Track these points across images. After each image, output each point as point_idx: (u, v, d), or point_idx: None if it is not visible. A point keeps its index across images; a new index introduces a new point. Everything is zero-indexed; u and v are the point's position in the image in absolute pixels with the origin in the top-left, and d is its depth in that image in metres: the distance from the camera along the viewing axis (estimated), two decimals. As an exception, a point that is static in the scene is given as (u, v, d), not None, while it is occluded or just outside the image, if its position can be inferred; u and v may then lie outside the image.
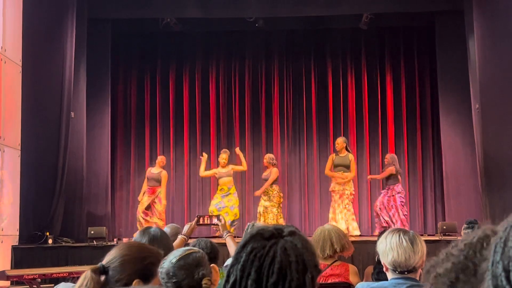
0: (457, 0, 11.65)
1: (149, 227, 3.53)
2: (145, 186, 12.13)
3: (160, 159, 12.21)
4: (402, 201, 11.75)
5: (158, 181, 11.92)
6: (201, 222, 5.17)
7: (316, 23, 13.60)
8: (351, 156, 11.66)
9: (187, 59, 14.15)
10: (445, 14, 12.64)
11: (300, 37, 14.13)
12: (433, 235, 12.60)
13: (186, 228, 4.93)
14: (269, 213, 11.50)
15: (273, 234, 1.45)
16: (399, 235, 3.12)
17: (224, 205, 11.67)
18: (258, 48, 14.19)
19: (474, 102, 11.10)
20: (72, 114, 11.11)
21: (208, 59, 14.16)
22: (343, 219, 11.32)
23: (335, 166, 11.62)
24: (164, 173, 12.04)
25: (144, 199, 11.86)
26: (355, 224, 11.46)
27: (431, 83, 13.65)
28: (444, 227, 11.23)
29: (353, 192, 11.69)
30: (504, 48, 10.46)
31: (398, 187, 11.77)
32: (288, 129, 13.99)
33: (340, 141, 11.71)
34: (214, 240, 4.80)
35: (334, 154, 11.81)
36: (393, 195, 11.68)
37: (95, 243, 10.62)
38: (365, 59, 13.97)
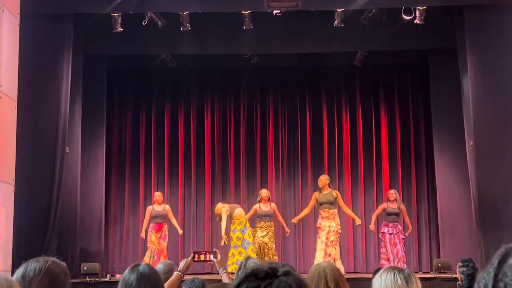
0: (450, 38, 11.74)
1: (138, 264, 3.48)
2: (145, 224, 12.26)
3: (159, 196, 12.24)
4: (403, 239, 11.81)
5: (164, 217, 12.09)
6: (197, 259, 5.13)
7: (311, 60, 13.70)
8: (335, 193, 11.76)
9: (182, 95, 14.20)
10: (439, 52, 12.75)
11: (295, 74, 14.21)
12: (428, 272, 12.56)
13: (182, 264, 4.89)
14: (269, 249, 11.60)
15: (268, 274, 1.44)
16: (394, 273, 3.10)
17: (246, 242, 11.67)
18: (253, 84, 14.26)
19: (468, 139, 11.12)
20: (67, 149, 11.08)
21: (204, 95, 14.21)
22: (324, 257, 11.30)
23: (320, 203, 11.70)
24: (168, 207, 12.27)
25: (153, 238, 11.94)
26: (339, 263, 11.41)
27: (425, 120, 13.70)
28: (439, 265, 11.20)
29: (340, 230, 11.67)
30: (498, 86, 10.54)
31: (400, 225, 11.86)
32: (282, 165, 13.99)
33: (324, 178, 11.83)
34: (209, 277, 4.77)
35: (318, 192, 11.86)
36: (396, 233, 11.70)
37: (88, 279, 10.54)
38: (359, 96, 14.04)
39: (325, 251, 11.38)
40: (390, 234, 11.70)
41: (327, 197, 11.65)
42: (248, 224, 11.87)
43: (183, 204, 13.85)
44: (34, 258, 2.67)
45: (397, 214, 11.82)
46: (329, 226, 11.49)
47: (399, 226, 11.84)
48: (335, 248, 11.45)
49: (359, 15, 11.55)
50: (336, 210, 11.70)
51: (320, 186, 11.80)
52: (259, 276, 1.44)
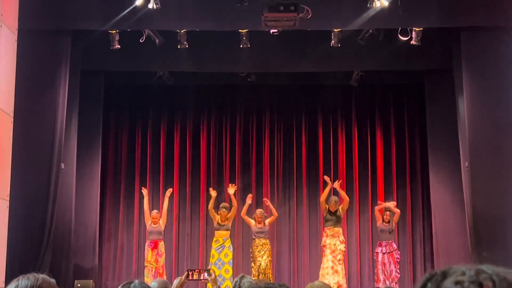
0: (447, 59, 11.80)
1: (130, 282, 3.44)
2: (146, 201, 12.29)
3: (155, 214, 12.08)
4: (398, 258, 11.79)
5: (160, 233, 11.96)
6: (191, 277, 5.12)
7: (307, 79, 13.74)
8: (340, 208, 11.80)
9: (178, 112, 14.21)
10: (435, 73, 12.79)
11: (291, 93, 14.24)
12: (423, 293, 12.51)
13: (176, 283, 4.88)
14: (266, 268, 11.65)
15: (265, 295, 1.44)
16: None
17: (223, 261, 11.62)
18: (249, 102, 14.28)
19: (464, 159, 11.14)
20: (62, 165, 11.06)
21: (200, 112, 14.22)
22: (333, 274, 11.31)
23: (326, 220, 11.69)
24: (162, 221, 12.06)
25: (149, 257, 11.81)
26: (344, 280, 11.47)
27: (421, 140, 13.73)
28: (434, 286, 11.15)
29: (344, 248, 11.68)
30: (493, 106, 10.58)
31: (395, 244, 11.86)
32: (278, 184, 13.98)
33: (335, 202, 11.75)
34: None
35: (327, 207, 11.80)
36: (390, 252, 11.68)
37: (81, 296, 10.48)
38: (355, 116, 14.06)
39: (334, 269, 11.39)
40: (384, 253, 11.69)
41: (334, 215, 11.68)
42: (227, 244, 11.76)
43: (178, 222, 13.81)
44: (25, 275, 2.64)
45: (390, 232, 11.81)
46: (335, 245, 11.52)
47: (394, 245, 11.83)
48: (340, 265, 11.50)
49: (356, 35, 11.61)
50: (340, 229, 11.74)
51: (333, 210, 11.72)
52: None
